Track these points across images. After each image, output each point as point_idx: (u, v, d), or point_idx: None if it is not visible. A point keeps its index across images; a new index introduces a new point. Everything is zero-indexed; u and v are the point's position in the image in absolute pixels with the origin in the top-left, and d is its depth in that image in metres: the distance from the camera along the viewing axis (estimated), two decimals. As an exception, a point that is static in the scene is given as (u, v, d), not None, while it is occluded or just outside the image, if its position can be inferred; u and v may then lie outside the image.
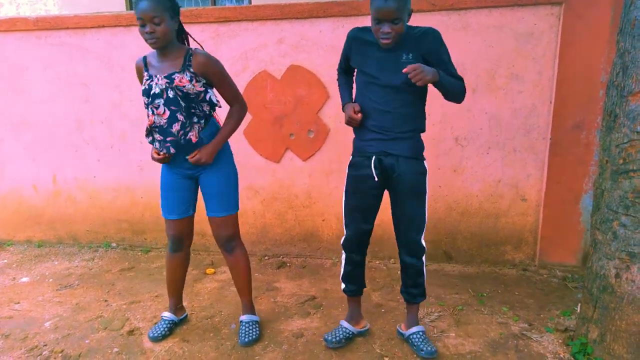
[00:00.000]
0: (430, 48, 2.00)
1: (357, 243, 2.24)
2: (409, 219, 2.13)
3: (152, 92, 2.07)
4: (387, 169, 2.09)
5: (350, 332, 2.33)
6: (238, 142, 3.28)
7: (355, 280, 2.33)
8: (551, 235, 3.15)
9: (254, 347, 2.32)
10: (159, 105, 2.07)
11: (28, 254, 3.66)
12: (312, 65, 3.19)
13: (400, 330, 2.34)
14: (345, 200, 2.22)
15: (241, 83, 3.28)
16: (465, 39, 3.00)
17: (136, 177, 3.58)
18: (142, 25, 1.98)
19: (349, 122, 2.12)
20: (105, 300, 2.85)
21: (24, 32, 3.47)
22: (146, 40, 2.02)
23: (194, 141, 2.12)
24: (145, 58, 2.17)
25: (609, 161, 2.03)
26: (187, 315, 2.58)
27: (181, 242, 2.37)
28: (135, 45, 3.35)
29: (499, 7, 2.93)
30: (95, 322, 2.59)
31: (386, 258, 3.39)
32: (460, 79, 2.07)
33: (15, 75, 3.56)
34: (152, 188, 3.55)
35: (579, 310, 2.30)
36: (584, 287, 2.23)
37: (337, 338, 2.28)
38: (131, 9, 5.18)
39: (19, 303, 2.84)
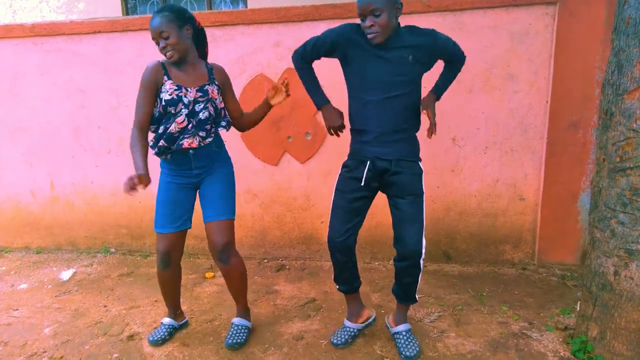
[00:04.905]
0: (432, 45, 2.05)
1: (340, 243, 2.15)
2: (406, 221, 2.08)
3: (181, 103, 2.09)
4: (381, 172, 2.09)
5: (354, 330, 2.35)
6: (236, 146, 3.29)
7: (344, 280, 2.30)
8: (550, 234, 3.15)
9: (254, 350, 2.31)
10: (180, 114, 2.09)
11: (26, 261, 3.65)
12: (309, 67, 3.19)
13: (388, 324, 2.36)
14: (333, 198, 2.21)
15: (238, 86, 3.28)
16: (460, 40, 2.96)
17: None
18: (157, 44, 2.07)
19: (333, 128, 2.18)
20: (105, 306, 2.84)
21: (21, 38, 3.47)
22: (164, 55, 2.09)
23: (194, 145, 2.13)
24: (163, 64, 2.13)
25: (605, 159, 2.04)
26: (187, 321, 2.57)
27: (169, 258, 2.28)
28: (131, 50, 3.36)
29: (494, 7, 2.94)
30: (95, 327, 2.58)
31: (385, 259, 3.39)
32: (461, 53, 2.20)
33: (12, 81, 3.56)
34: (151, 193, 3.53)
35: (578, 309, 2.31)
36: (583, 286, 2.23)
37: (343, 339, 2.32)
38: (127, 14, 5.19)
39: (17, 310, 2.83)
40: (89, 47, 3.41)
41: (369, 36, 1.95)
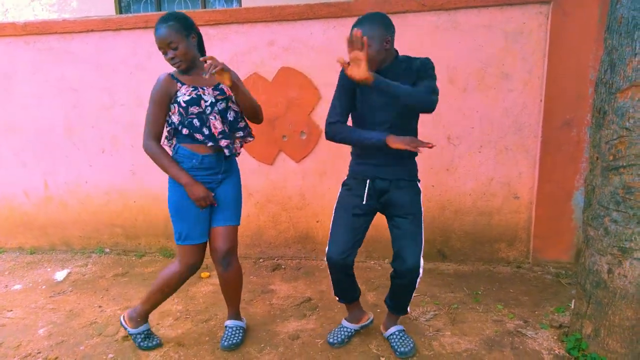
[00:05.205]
0: (419, 69, 1.99)
1: (340, 261, 2.13)
2: (407, 240, 2.09)
3: (202, 101, 2.08)
4: (380, 192, 2.12)
5: (351, 330, 2.37)
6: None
7: (344, 294, 2.31)
8: (544, 232, 3.17)
9: (249, 350, 2.31)
10: (212, 114, 2.09)
11: (20, 261, 3.62)
12: (303, 67, 3.20)
13: (382, 332, 2.37)
14: (334, 216, 2.22)
15: (233, 86, 3.28)
16: (455, 39, 3.02)
17: (128, 181, 3.56)
18: (165, 53, 2.04)
19: (413, 145, 1.94)
20: (100, 306, 2.83)
21: (13, 37, 3.44)
22: (172, 65, 2.07)
23: (226, 153, 2.14)
24: (172, 74, 2.11)
25: (599, 158, 2.05)
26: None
27: (196, 268, 2.22)
28: (124, 49, 3.35)
29: (488, 6, 2.95)
30: (90, 328, 2.57)
31: (381, 258, 3.39)
32: (428, 92, 1.95)
33: (4, 80, 3.53)
34: (145, 192, 3.54)
35: (573, 307, 2.32)
36: (578, 283, 2.25)
37: (340, 339, 2.34)
38: (120, 13, 5.16)
39: (11, 311, 2.81)
40: (81, 46, 3.39)
41: None
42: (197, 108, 2.08)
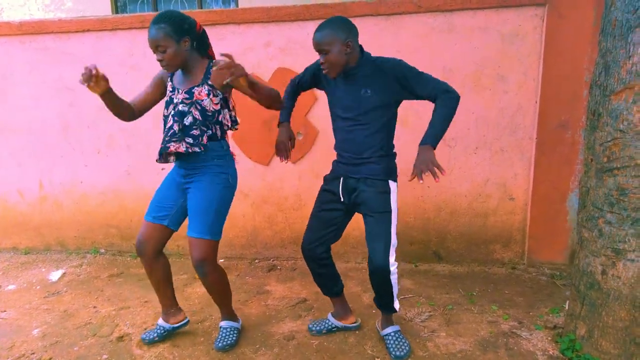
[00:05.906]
0: (393, 75, 2.03)
1: (307, 251, 2.27)
2: (372, 239, 2.11)
3: (172, 104, 2.12)
4: (352, 190, 2.16)
5: (334, 326, 2.43)
6: (227, 146, 3.27)
7: (321, 285, 2.39)
8: (539, 233, 3.18)
9: (245, 351, 2.31)
10: (169, 116, 2.12)
11: (14, 261, 3.60)
12: (300, 68, 3.16)
13: (377, 328, 2.40)
14: (313, 208, 2.33)
15: (229, 86, 3.27)
16: (451, 41, 3.03)
17: (124, 182, 3.55)
18: (154, 53, 2.06)
19: (278, 148, 2.31)
20: (94, 307, 2.82)
21: (8, 36, 3.43)
22: (160, 66, 2.09)
23: (181, 151, 2.06)
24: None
25: (593, 159, 2.06)
26: (184, 323, 2.44)
27: (142, 247, 2.22)
28: (121, 49, 3.34)
29: (484, 8, 2.96)
30: (84, 328, 2.56)
31: (376, 259, 3.40)
32: (442, 87, 2.01)
33: (0, 80, 3.51)
34: (140, 193, 3.52)
35: (567, 308, 2.33)
36: (572, 285, 2.26)
37: (318, 327, 2.43)
38: (116, 13, 5.15)
39: (5, 311, 2.79)
40: (77, 46, 3.38)
41: (323, 72, 2.09)
42: (165, 112, 2.13)
